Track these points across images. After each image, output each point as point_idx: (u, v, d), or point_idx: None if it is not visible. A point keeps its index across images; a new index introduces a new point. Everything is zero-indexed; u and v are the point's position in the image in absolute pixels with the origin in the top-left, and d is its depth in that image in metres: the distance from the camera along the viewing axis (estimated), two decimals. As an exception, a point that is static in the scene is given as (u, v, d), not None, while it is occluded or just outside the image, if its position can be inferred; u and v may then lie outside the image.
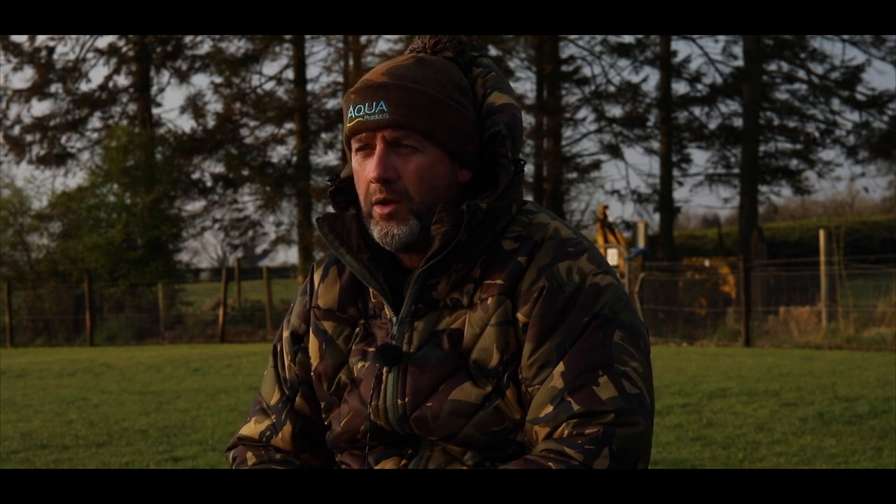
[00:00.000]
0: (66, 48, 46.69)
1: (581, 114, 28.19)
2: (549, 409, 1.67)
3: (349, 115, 1.76)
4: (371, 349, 1.81)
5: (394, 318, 1.79)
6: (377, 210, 1.75)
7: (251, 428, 1.93)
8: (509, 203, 1.76)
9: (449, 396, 1.73)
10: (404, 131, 1.72)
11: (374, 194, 1.75)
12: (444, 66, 1.80)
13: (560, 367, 1.69)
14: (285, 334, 1.94)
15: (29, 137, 27.85)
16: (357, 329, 1.84)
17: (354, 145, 1.77)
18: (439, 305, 1.78)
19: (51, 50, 27.64)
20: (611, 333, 1.70)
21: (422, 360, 1.75)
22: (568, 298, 1.71)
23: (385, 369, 1.77)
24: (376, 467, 1.79)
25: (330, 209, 1.89)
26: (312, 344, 1.88)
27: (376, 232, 1.76)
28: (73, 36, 26.77)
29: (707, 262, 18.52)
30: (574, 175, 28.31)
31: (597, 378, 1.67)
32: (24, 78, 59.65)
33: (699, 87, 27.97)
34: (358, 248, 1.80)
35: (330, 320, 1.87)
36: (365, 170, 1.76)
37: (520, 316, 1.73)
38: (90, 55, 27.87)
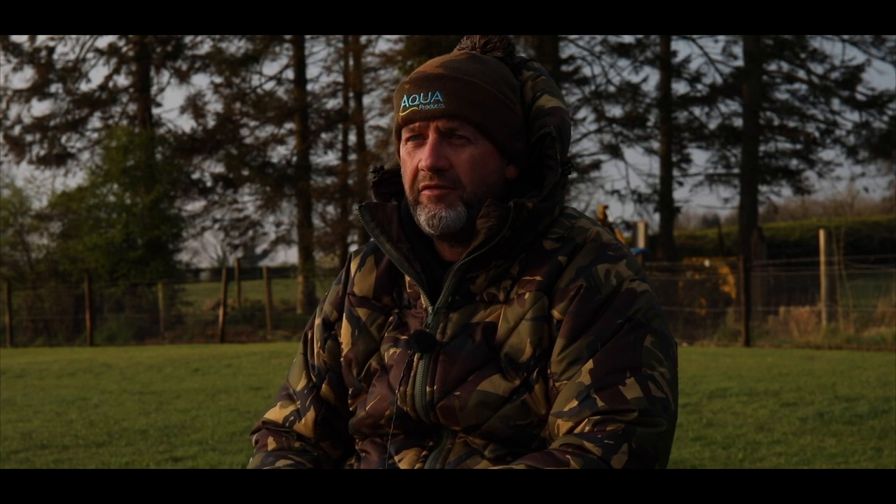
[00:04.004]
0: (66, 48, 46.82)
1: (581, 114, 28.21)
2: (574, 403, 1.69)
3: (403, 104, 1.78)
4: (404, 337, 1.83)
5: (429, 308, 1.81)
6: (426, 193, 1.77)
7: (276, 412, 1.96)
8: (553, 204, 1.79)
9: (477, 387, 1.74)
10: (458, 122, 1.75)
11: (424, 180, 1.76)
12: (496, 65, 1.83)
13: (589, 364, 1.71)
14: (317, 321, 1.96)
15: (29, 137, 27.85)
16: (391, 318, 1.87)
17: (406, 135, 1.79)
18: (475, 299, 1.80)
19: (51, 50, 27.64)
20: (642, 338, 1.72)
21: (453, 349, 1.77)
22: (604, 300, 1.74)
23: (416, 357, 1.79)
24: (396, 457, 1.81)
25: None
26: (345, 330, 1.90)
27: (423, 215, 1.77)
28: (73, 36, 26.77)
29: (707, 262, 18.52)
30: (574, 175, 28.30)
31: (624, 379, 1.69)
32: (24, 78, 59.74)
33: (699, 87, 27.99)
34: (398, 238, 1.82)
35: (364, 307, 1.89)
36: (414, 158, 1.78)
37: (555, 313, 1.75)
38: (90, 55, 27.90)
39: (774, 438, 6.33)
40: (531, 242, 1.79)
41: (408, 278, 1.85)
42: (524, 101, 1.84)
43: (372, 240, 1.90)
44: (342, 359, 1.90)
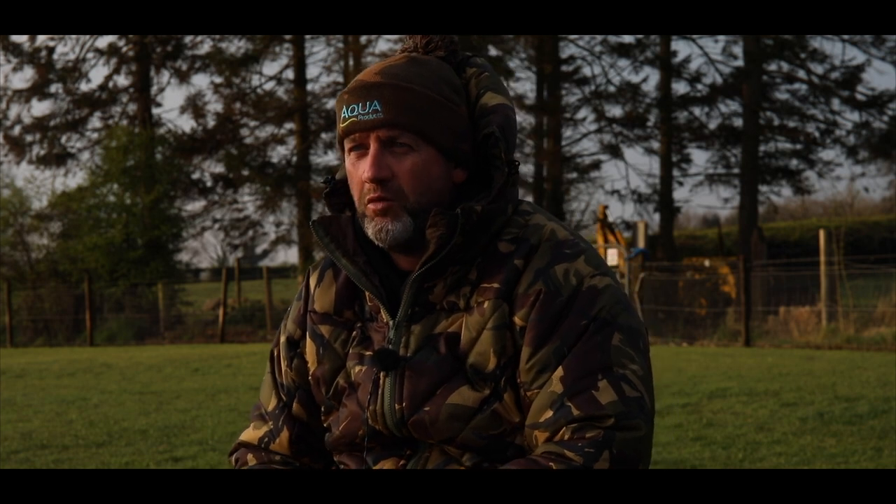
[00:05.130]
0: (66, 48, 46.78)
1: (581, 114, 28.25)
2: (549, 413, 1.66)
3: (342, 115, 1.74)
4: (368, 353, 1.79)
5: (390, 322, 1.77)
6: (371, 207, 1.73)
7: (250, 434, 1.93)
8: (505, 204, 1.75)
9: (447, 400, 1.72)
10: (398, 130, 1.71)
11: (368, 193, 1.73)
12: (437, 65, 1.78)
13: (559, 371, 1.67)
14: (282, 339, 1.93)
15: (29, 137, 27.84)
16: (354, 332, 1.83)
17: (348, 145, 1.76)
18: (436, 309, 1.76)
19: (51, 50, 27.63)
20: (609, 336, 1.69)
21: (419, 364, 1.74)
22: (565, 302, 1.70)
23: (382, 374, 1.76)
24: (375, 468, 1.79)
25: (326, 211, 1.88)
26: (309, 348, 1.87)
27: (371, 229, 1.74)
28: (73, 36, 26.76)
29: (707, 262, 18.51)
30: (574, 175, 28.34)
31: (596, 382, 1.66)
32: (24, 78, 59.69)
33: (699, 87, 27.99)
34: (354, 251, 1.78)
35: (326, 324, 1.85)
36: (359, 170, 1.74)
37: (517, 320, 1.71)
38: (90, 55, 27.89)
39: (774, 438, 6.33)
40: (486, 245, 1.74)
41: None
42: (469, 100, 1.79)
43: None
44: (310, 377, 1.87)
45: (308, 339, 1.87)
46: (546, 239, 1.75)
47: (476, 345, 1.72)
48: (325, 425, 1.87)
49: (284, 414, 1.90)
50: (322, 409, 1.87)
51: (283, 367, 1.91)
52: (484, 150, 1.76)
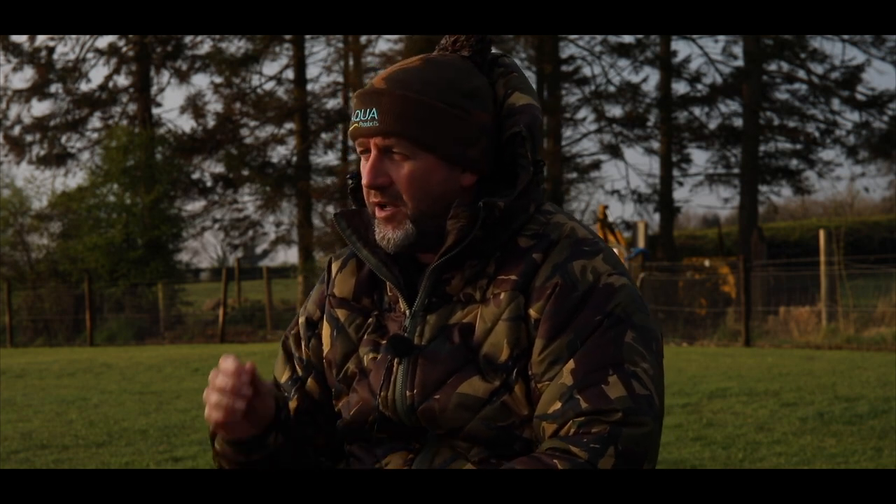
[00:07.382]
0: (66, 48, 46.78)
1: (581, 114, 28.25)
2: (558, 405, 1.68)
3: (352, 119, 1.79)
4: (383, 341, 1.82)
5: (407, 312, 1.80)
6: (377, 214, 1.78)
7: None
8: (527, 202, 1.77)
9: (457, 390, 1.73)
10: (394, 139, 1.74)
11: (370, 197, 1.78)
12: (452, 69, 1.79)
13: (570, 364, 1.69)
14: (301, 320, 1.97)
15: (29, 137, 27.82)
16: (370, 320, 1.86)
17: (357, 148, 1.80)
18: (452, 300, 1.79)
19: (51, 50, 27.62)
20: (623, 333, 1.70)
21: (432, 352, 1.76)
22: (581, 297, 1.71)
23: (395, 361, 1.78)
24: (383, 461, 1.80)
25: (331, 207, 1.91)
26: (325, 330, 1.91)
27: (376, 234, 1.79)
28: (73, 36, 26.76)
29: (707, 262, 18.51)
30: (574, 175, 28.34)
31: (606, 377, 1.67)
32: (24, 78, 59.69)
33: (699, 87, 27.99)
34: (374, 243, 1.82)
35: (343, 308, 1.89)
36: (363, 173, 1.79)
37: (532, 312, 1.73)
38: (90, 55, 27.87)
39: (774, 438, 6.33)
40: (506, 241, 1.77)
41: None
42: (496, 99, 1.81)
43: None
44: (324, 359, 1.91)
45: (325, 322, 1.91)
46: (566, 236, 1.77)
47: (490, 335, 1.74)
48: (336, 410, 1.89)
49: (297, 385, 1.93)
50: (333, 392, 1.89)
51: (302, 346, 1.95)
52: (510, 149, 1.79)
